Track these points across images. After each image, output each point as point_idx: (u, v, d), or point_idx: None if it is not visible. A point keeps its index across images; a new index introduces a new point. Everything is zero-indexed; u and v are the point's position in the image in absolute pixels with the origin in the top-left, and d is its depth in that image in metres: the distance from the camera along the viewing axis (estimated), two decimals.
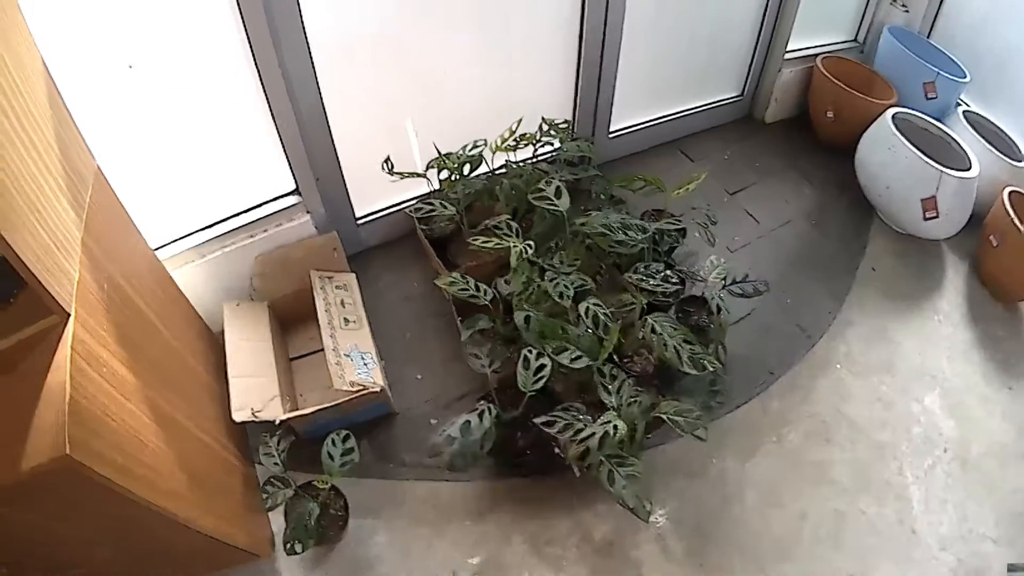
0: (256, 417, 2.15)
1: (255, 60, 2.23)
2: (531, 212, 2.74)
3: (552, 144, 3.04)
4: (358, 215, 2.97)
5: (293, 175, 2.61)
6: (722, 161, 3.75)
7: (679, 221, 2.85)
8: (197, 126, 2.28)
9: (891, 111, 3.36)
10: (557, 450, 2.35)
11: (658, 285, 2.47)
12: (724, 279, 2.61)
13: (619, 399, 2.16)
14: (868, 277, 3.19)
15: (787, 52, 3.75)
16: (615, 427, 2.00)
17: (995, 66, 3.68)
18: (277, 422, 2.16)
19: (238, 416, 2.13)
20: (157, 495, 1.48)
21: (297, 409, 2.30)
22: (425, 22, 2.58)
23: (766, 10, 3.59)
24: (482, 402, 2.16)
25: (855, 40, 4.21)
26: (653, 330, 2.25)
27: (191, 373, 2.06)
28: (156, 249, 2.33)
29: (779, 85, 3.89)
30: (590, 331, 2.24)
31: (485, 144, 2.76)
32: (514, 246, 2.31)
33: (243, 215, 2.58)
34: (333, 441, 2.07)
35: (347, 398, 2.24)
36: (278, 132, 2.44)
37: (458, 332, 2.61)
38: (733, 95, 3.98)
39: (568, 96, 3.27)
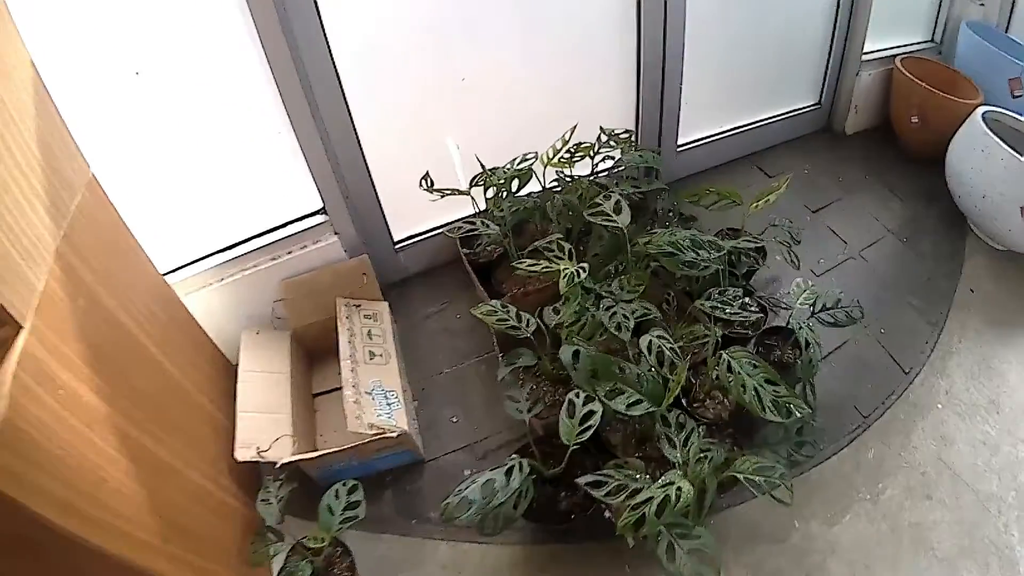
0: (262, 457, 1.92)
1: (270, 65, 2.04)
2: (587, 233, 2.41)
3: (612, 157, 2.68)
4: (396, 239, 2.70)
5: (319, 192, 2.37)
6: (803, 176, 3.37)
7: (759, 240, 2.44)
8: (213, 139, 2.10)
9: (980, 110, 2.96)
10: (608, 514, 1.98)
11: (736, 314, 2.08)
12: (812, 305, 2.21)
13: (685, 454, 1.77)
14: (967, 301, 2.78)
15: (864, 54, 3.39)
16: (679, 490, 1.61)
17: None
18: (278, 464, 1.91)
19: (241, 455, 1.91)
20: (116, 541, 1.30)
21: (316, 450, 2.03)
22: (466, 26, 2.36)
23: (838, 7, 3.25)
24: (515, 456, 1.79)
25: (932, 40, 3.81)
26: (729, 368, 1.86)
27: (192, 406, 1.89)
28: (171, 272, 2.18)
29: (858, 91, 3.52)
30: (653, 370, 1.86)
31: (536, 158, 2.43)
32: (564, 269, 1.98)
33: (265, 235, 2.35)
34: (336, 492, 1.78)
35: (361, 442, 1.96)
36: (299, 145, 2.22)
37: None
38: (810, 103, 3.61)
39: (629, 106, 2.94)
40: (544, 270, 2.03)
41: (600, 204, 2.18)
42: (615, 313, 1.98)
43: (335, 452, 1.96)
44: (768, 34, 3.16)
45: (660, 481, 1.66)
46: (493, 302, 2.07)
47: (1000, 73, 3.31)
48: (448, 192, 2.34)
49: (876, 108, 3.66)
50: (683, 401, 2.02)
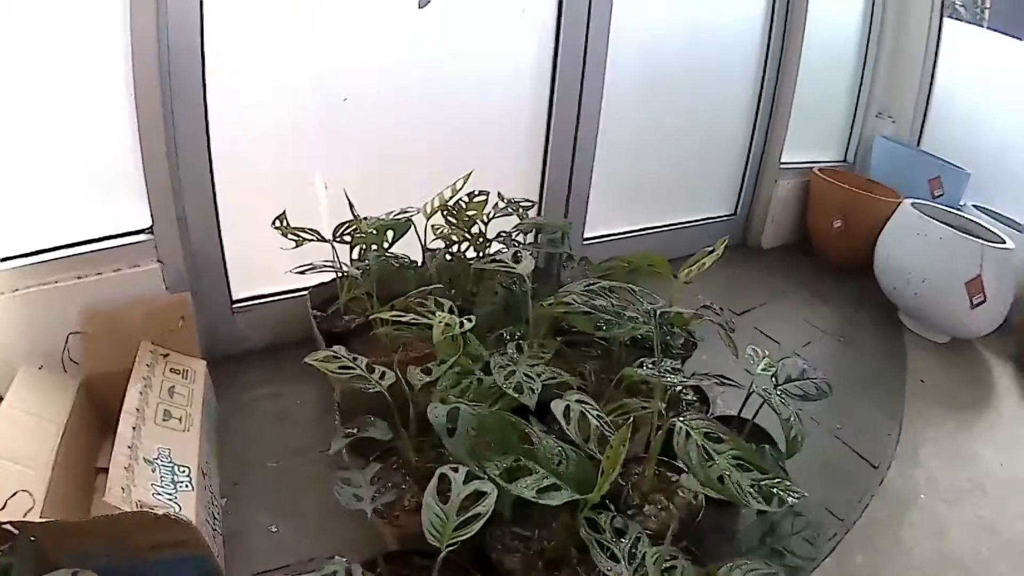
0: None
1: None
2: (474, 295, 1.80)
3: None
4: (236, 297, 2.01)
5: (149, 205, 1.80)
6: (723, 281, 2.92)
7: (694, 312, 1.83)
8: (33, 117, 1.62)
9: (908, 202, 2.81)
10: None
11: (681, 386, 1.50)
12: (775, 377, 1.63)
13: (639, 568, 1.11)
14: (920, 391, 2.45)
15: (780, 164, 3.16)
16: None
17: (991, 161, 3.21)
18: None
19: None
20: None
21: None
22: (357, 40, 1.94)
23: (757, 115, 3.06)
24: (338, 562, 1.06)
25: (844, 160, 3.60)
26: (693, 444, 1.23)
27: None
28: None
29: (775, 200, 3.21)
30: (572, 446, 1.22)
31: (417, 211, 1.85)
32: (440, 318, 1.34)
33: (74, 247, 1.76)
34: None
35: (105, 515, 1.23)
36: (139, 138, 1.72)
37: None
38: (725, 213, 3.27)
39: (533, 182, 2.46)
40: (414, 324, 1.39)
41: (494, 253, 1.59)
42: (512, 372, 1.32)
43: (70, 523, 1.24)
44: (686, 135, 2.90)
45: None
46: (335, 347, 1.37)
47: (919, 175, 3.17)
48: (306, 237, 1.73)
49: (792, 221, 3.36)
50: (610, 506, 1.36)
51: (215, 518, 1.52)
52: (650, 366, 1.50)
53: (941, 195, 3.10)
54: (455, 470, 1.07)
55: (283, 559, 1.52)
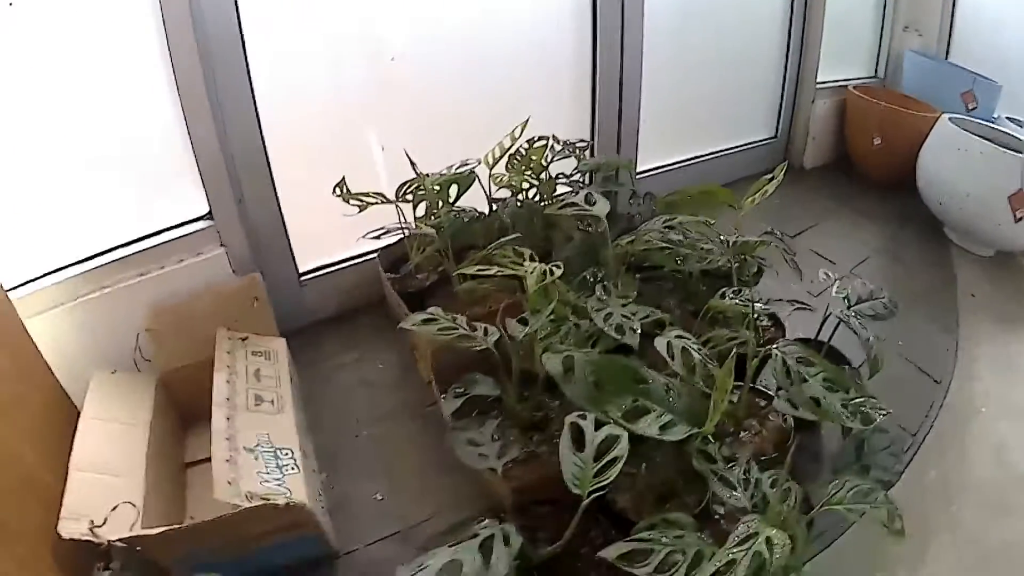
0: (94, 535, 1.18)
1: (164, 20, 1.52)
2: (548, 241, 1.78)
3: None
4: (302, 269, 1.98)
5: (205, 191, 1.74)
6: (771, 206, 2.85)
7: (762, 239, 1.78)
8: (75, 111, 1.52)
9: (945, 116, 2.71)
10: None
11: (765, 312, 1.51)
12: (847, 299, 1.62)
13: (755, 492, 1.12)
14: (971, 306, 2.41)
15: (817, 84, 3.07)
16: (769, 542, 0.96)
17: (1020, 72, 3.13)
18: (105, 544, 1.18)
19: (66, 529, 1.19)
20: None
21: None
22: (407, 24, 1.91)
23: (790, 38, 2.97)
24: (487, 522, 1.06)
25: (875, 76, 3.48)
26: (786, 371, 1.23)
27: (7, 458, 1.23)
28: (14, 288, 1.53)
29: (814, 120, 3.14)
30: (681, 380, 1.22)
31: (478, 164, 1.81)
32: (530, 268, 1.33)
33: (133, 244, 1.70)
34: None
35: (225, 514, 1.20)
36: (187, 127, 1.65)
37: (443, 431, 1.45)
38: (767, 137, 3.20)
39: (584, 124, 2.42)
40: (499, 275, 1.38)
41: (566, 198, 1.57)
42: (610, 315, 1.32)
43: (185, 528, 1.20)
44: (723, 61, 2.83)
45: (735, 535, 0.97)
46: (432, 309, 1.37)
47: (952, 89, 3.07)
48: (370, 200, 1.71)
49: (832, 140, 3.30)
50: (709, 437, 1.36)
51: (320, 495, 1.50)
52: (731, 295, 1.50)
53: (975, 108, 3.01)
54: (583, 418, 1.07)
55: (392, 526, 1.51)
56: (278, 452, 1.41)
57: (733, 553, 0.95)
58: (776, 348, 1.25)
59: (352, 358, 1.95)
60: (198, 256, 1.77)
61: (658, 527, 1.10)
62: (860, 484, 1.12)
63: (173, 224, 1.76)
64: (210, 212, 1.77)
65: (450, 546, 0.99)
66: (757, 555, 0.93)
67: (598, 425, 1.08)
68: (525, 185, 1.81)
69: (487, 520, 1.04)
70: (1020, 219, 2.46)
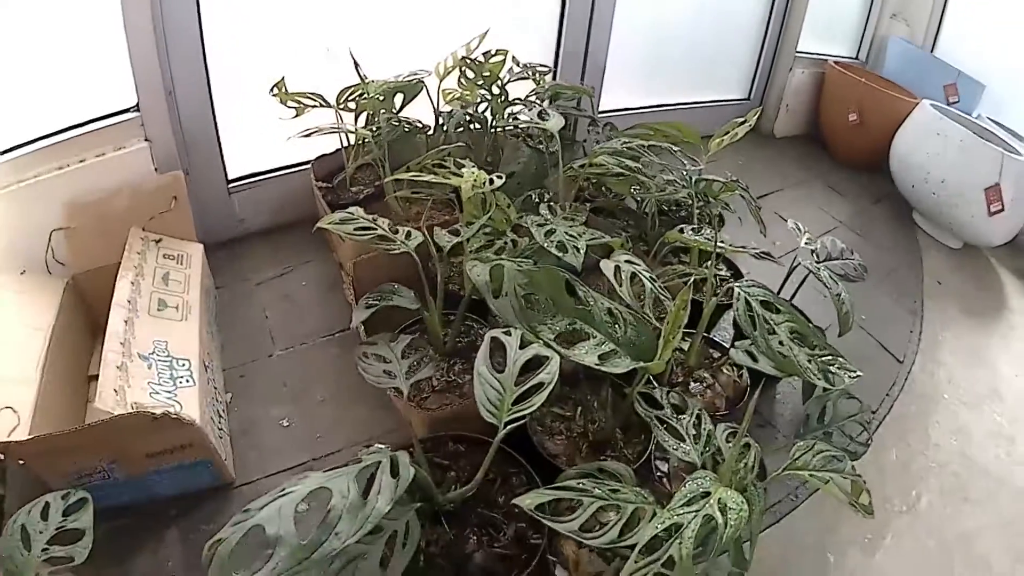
0: None
1: None
2: (495, 154, 1.57)
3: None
4: (231, 175, 1.74)
5: (134, 79, 1.50)
6: (736, 166, 2.67)
7: (728, 180, 1.60)
8: None
9: (926, 101, 2.57)
10: (561, 575, 1.02)
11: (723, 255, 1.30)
12: (815, 253, 1.43)
13: (706, 447, 0.93)
14: (937, 291, 2.28)
15: (797, 52, 2.87)
16: (722, 505, 0.76)
17: (1005, 77, 2.93)
18: None
19: None
20: None
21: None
22: None
23: (774, 3, 2.78)
24: (378, 448, 0.85)
25: (856, 58, 3.29)
26: (750, 314, 1.04)
27: None
28: None
29: (790, 88, 2.91)
30: (621, 315, 0.99)
31: (429, 75, 1.58)
32: (468, 176, 1.12)
33: (52, 136, 1.45)
34: (44, 508, 0.92)
35: (101, 421, 1.02)
36: (122, 6, 1.42)
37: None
38: (740, 97, 2.99)
39: (548, 48, 2.19)
40: (435, 182, 1.16)
41: (517, 111, 1.35)
42: (553, 231, 1.11)
43: (56, 436, 1.01)
44: (704, 13, 2.65)
45: (683, 494, 0.78)
46: (350, 208, 1.15)
47: (934, 81, 2.91)
48: (307, 103, 1.49)
49: (806, 112, 3.07)
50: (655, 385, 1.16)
51: (220, 416, 1.33)
52: (691, 233, 1.30)
53: (956, 102, 2.85)
54: (507, 334, 0.86)
55: (298, 456, 1.33)
56: (174, 363, 1.23)
57: (679, 515, 0.75)
58: (739, 286, 1.05)
59: (276, 273, 1.73)
60: (120, 150, 1.53)
61: (590, 477, 0.90)
62: (828, 450, 0.93)
63: (98, 116, 1.52)
64: (137, 104, 1.54)
65: (322, 472, 0.78)
66: (707, 519, 0.74)
67: (524, 344, 0.87)
68: (473, 99, 1.58)
69: (376, 445, 0.83)
70: (994, 213, 2.34)
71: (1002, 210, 2.34)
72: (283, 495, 0.74)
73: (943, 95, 2.87)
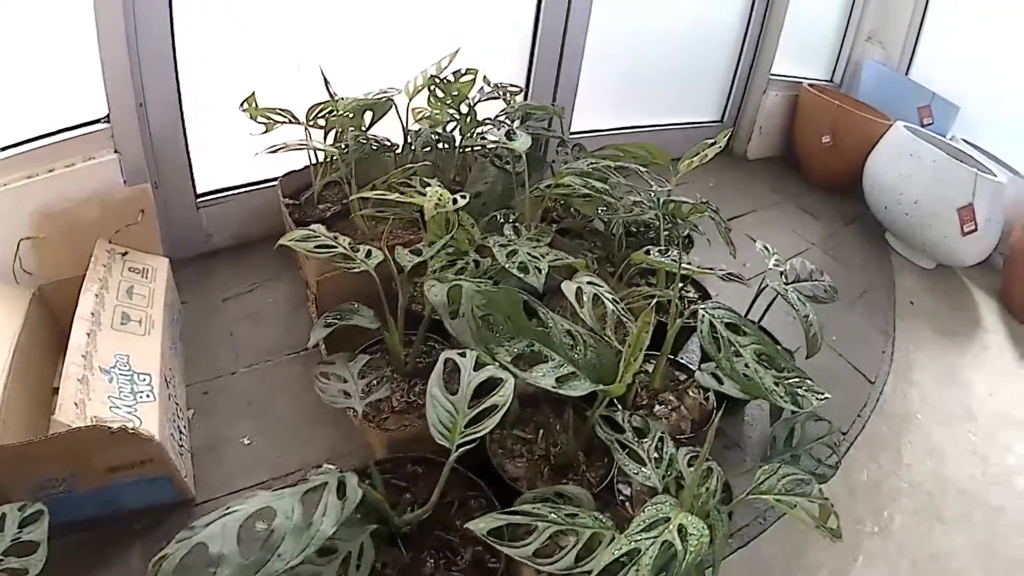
0: None
1: None
2: (463, 174, 1.55)
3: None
4: (200, 190, 1.71)
5: (105, 90, 1.48)
6: (707, 188, 2.65)
7: (697, 202, 1.57)
8: None
9: (900, 123, 2.59)
10: None
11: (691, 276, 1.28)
12: (784, 275, 1.42)
13: (668, 471, 0.91)
14: (909, 312, 2.27)
15: (771, 75, 2.88)
16: (682, 531, 0.74)
17: (979, 99, 2.95)
18: None
19: None
20: None
21: None
22: None
23: (749, 24, 2.77)
24: (324, 469, 0.81)
25: (830, 80, 3.32)
26: (715, 336, 1.02)
27: None
28: None
29: (763, 110, 2.92)
30: (581, 337, 0.97)
31: (398, 93, 1.57)
32: (431, 195, 1.10)
33: (22, 145, 1.43)
34: (1, 520, 0.89)
35: (59, 433, 1.00)
36: (96, 18, 1.39)
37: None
38: (712, 119, 2.99)
39: (520, 68, 2.16)
40: (400, 201, 1.14)
41: (485, 130, 1.34)
42: (515, 252, 1.09)
43: (14, 447, 0.99)
44: (678, 36, 2.64)
45: (642, 519, 0.75)
46: (313, 225, 1.13)
47: (908, 103, 2.92)
48: (277, 119, 1.47)
49: (779, 134, 3.09)
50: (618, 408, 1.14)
51: (181, 432, 1.29)
52: (657, 255, 1.29)
53: (930, 124, 2.87)
54: (462, 355, 0.84)
55: (258, 475, 1.29)
56: (136, 377, 1.20)
57: (637, 540, 0.73)
58: (703, 308, 1.04)
59: (243, 290, 1.69)
60: (89, 160, 1.50)
61: (548, 501, 0.88)
62: (794, 473, 0.92)
63: (68, 126, 1.49)
64: (108, 115, 1.51)
65: (272, 492, 0.75)
66: (667, 545, 0.72)
67: (479, 366, 0.85)
68: (442, 119, 1.56)
69: (326, 466, 0.80)
70: (967, 233, 2.34)
71: (975, 230, 2.35)
72: (228, 513, 0.72)
73: (917, 117, 2.88)
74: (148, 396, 1.17)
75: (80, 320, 1.21)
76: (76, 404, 1.06)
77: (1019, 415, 1.95)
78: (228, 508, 0.73)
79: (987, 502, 1.63)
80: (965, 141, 2.78)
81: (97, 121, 1.51)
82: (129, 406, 1.12)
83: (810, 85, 2.92)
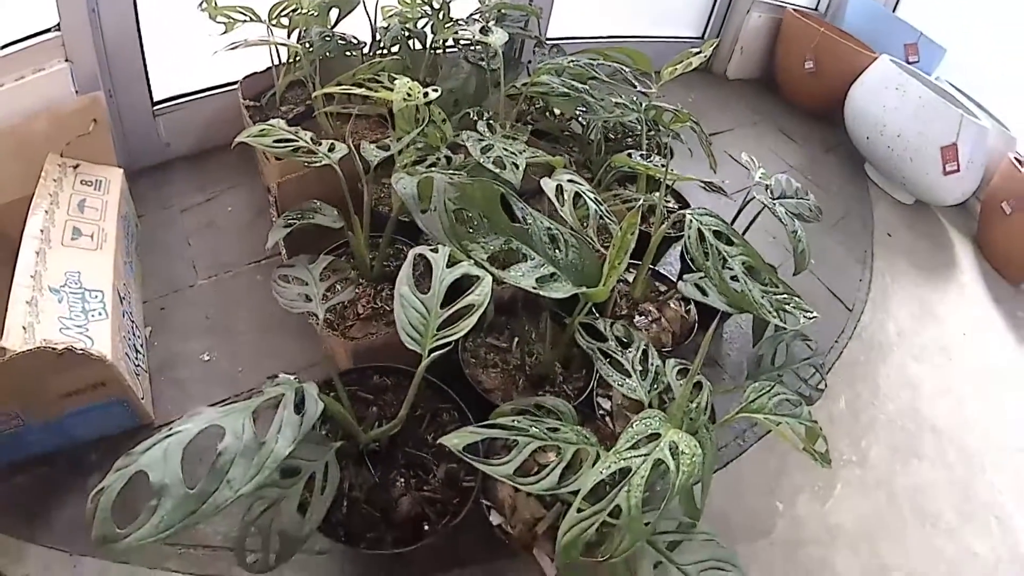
0: None
1: None
2: (434, 75, 1.43)
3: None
4: (156, 97, 1.56)
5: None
6: (687, 103, 2.53)
7: (677, 109, 1.47)
8: None
9: (886, 55, 2.48)
10: (497, 520, 0.92)
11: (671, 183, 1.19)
12: (769, 189, 1.34)
13: (654, 384, 0.84)
14: (887, 243, 2.21)
15: None
16: (674, 448, 0.67)
17: (970, 41, 2.82)
18: None
19: None
20: None
21: None
22: None
23: None
24: (280, 380, 0.73)
25: (815, 9, 3.12)
26: (702, 243, 0.93)
27: None
28: None
29: (746, 30, 2.76)
30: (562, 236, 0.86)
31: None
32: (399, 88, 0.99)
33: None
34: None
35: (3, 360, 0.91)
36: None
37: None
38: (693, 35, 2.81)
39: None
40: (367, 94, 1.03)
41: (459, 26, 1.22)
42: (490, 147, 0.99)
43: None
44: None
45: (630, 435, 0.68)
46: (271, 120, 1.01)
47: (895, 39, 2.79)
48: (237, 17, 1.36)
49: (760, 56, 2.93)
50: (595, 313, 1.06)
51: (138, 351, 1.19)
52: (640, 158, 1.19)
53: (916, 62, 2.73)
54: (434, 252, 0.75)
55: (219, 393, 1.21)
56: (87, 295, 1.10)
57: (627, 459, 0.66)
58: (691, 214, 0.95)
59: (201, 200, 1.58)
60: (39, 72, 1.37)
61: (527, 414, 0.80)
62: (784, 393, 0.85)
63: (16, 39, 1.36)
64: (58, 23, 1.37)
65: (220, 407, 0.66)
66: (658, 463, 0.65)
67: (452, 263, 0.76)
68: (417, 15, 1.43)
69: (282, 376, 0.72)
70: (949, 173, 2.28)
71: (957, 171, 2.29)
72: (170, 436, 0.63)
73: (903, 53, 2.77)
74: (100, 314, 1.07)
75: (28, 239, 1.11)
76: (24, 328, 0.97)
77: (993, 360, 1.92)
78: (170, 429, 0.64)
79: (962, 442, 1.61)
80: (950, 84, 2.65)
81: (47, 31, 1.39)
82: (80, 326, 1.02)
83: (795, 9, 2.79)
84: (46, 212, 1.18)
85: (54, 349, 0.95)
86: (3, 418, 1.01)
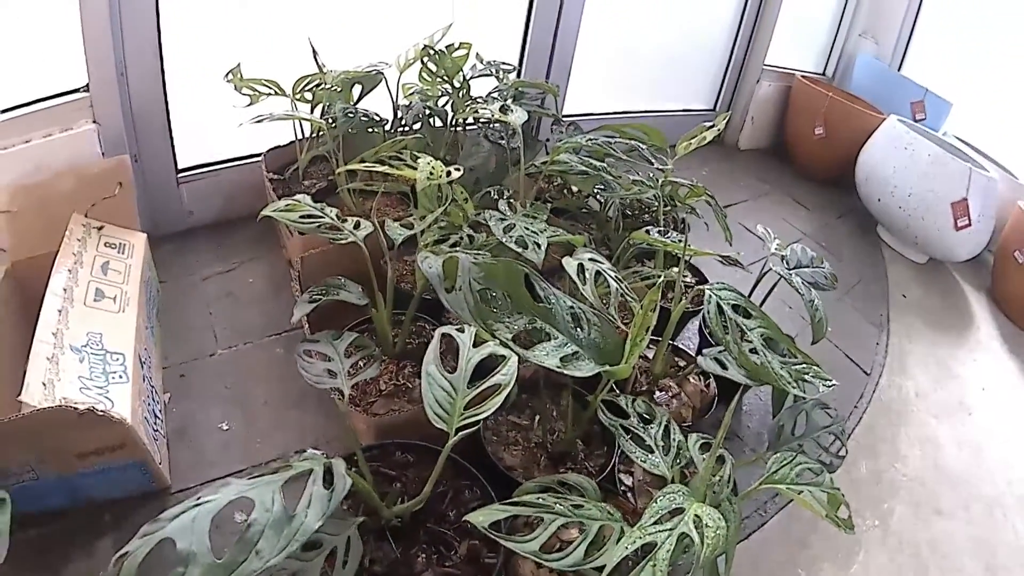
0: None
1: None
2: (455, 153, 1.48)
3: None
4: (181, 165, 1.61)
5: (86, 58, 1.39)
6: (701, 176, 2.58)
7: (692, 183, 1.52)
8: None
9: (894, 117, 2.53)
10: None
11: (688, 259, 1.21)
12: (785, 260, 1.36)
13: (676, 460, 0.85)
14: (902, 305, 2.23)
15: (765, 65, 2.80)
16: (698, 522, 0.68)
17: (975, 94, 2.91)
18: None
19: None
20: None
21: None
22: None
23: (744, 14, 2.70)
24: (308, 455, 0.74)
25: (823, 73, 3.26)
26: (722, 317, 0.95)
27: None
28: None
29: (756, 100, 2.85)
30: (584, 315, 0.89)
31: (389, 67, 1.49)
32: (423, 167, 1.03)
33: None
34: None
35: (21, 415, 0.91)
36: None
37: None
38: (704, 108, 2.89)
39: (513, 46, 2.08)
40: (389, 172, 1.07)
41: (479, 104, 1.26)
42: (512, 226, 1.02)
43: None
44: (672, 22, 2.57)
45: (654, 511, 0.69)
46: (297, 195, 1.05)
47: (901, 98, 2.87)
48: (262, 90, 1.39)
49: (771, 125, 3.01)
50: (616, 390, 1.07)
51: (156, 416, 1.20)
52: (657, 234, 1.22)
53: (923, 119, 2.81)
54: (460, 331, 0.77)
55: (236, 463, 1.21)
56: (108, 357, 1.11)
57: (651, 534, 0.67)
58: (710, 289, 0.97)
59: (223, 269, 1.60)
60: (67, 131, 1.42)
61: (551, 491, 0.81)
62: (806, 462, 0.85)
63: (46, 95, 1.40)
64: (87, 84, 1.42)
65: (248, 479, 0.68)
66: (683, 537, 0.65)
67: (478, 343, 0.78)
68: (437, 93, 1.49)
69: (309, 451, 0.73)
70: (961, 228, 2.31)
71: (969, 225, 2.31)
72: (199, 504, 0.65)
73: (910, 112, 2.85)
74: (121, 377, 1.07)
75: (51, 296, 1.13)
76: (44, 384, 0.97)
77: (1013, 412, 1.92)
78: (199, 498, 0.65)
79: (983, 494, 1.60)
80: (957, 138, 2.70)
81: (76, 91, 1.43)
82: (100, 387, 1.03)
83: (803, 76, 2.85)
84: (70, 271, 1.20)
85: (75, 409, 0.94)
86: (17, 469, 1.00)
